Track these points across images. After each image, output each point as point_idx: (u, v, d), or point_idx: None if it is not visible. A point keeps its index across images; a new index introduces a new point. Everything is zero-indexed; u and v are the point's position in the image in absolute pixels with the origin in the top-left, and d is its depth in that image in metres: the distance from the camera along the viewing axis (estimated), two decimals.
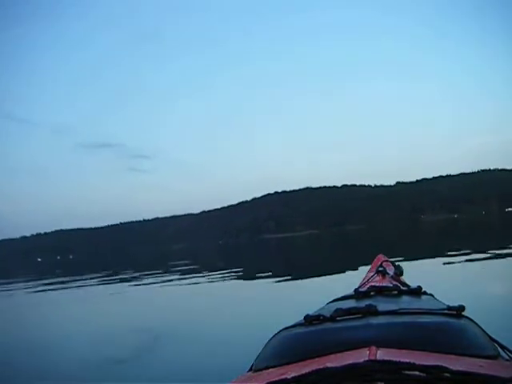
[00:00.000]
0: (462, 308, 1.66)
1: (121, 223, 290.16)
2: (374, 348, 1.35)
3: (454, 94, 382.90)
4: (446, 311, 1.66)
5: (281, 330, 1.81)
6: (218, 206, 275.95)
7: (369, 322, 1.62)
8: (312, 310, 1.97)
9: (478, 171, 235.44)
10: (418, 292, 2.09)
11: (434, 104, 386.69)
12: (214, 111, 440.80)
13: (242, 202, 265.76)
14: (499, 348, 1.56)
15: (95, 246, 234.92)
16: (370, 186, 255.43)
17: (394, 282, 2.51)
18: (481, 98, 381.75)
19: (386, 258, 3.52)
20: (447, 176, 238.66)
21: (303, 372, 1.17)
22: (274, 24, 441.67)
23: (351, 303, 2.03)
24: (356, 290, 2.21)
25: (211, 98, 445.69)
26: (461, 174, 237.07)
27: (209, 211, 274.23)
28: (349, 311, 1.74)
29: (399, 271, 3.00)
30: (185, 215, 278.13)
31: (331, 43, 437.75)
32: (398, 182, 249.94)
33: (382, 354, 1.29)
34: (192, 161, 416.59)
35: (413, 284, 2.27)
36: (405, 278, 2.97)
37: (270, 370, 1.51)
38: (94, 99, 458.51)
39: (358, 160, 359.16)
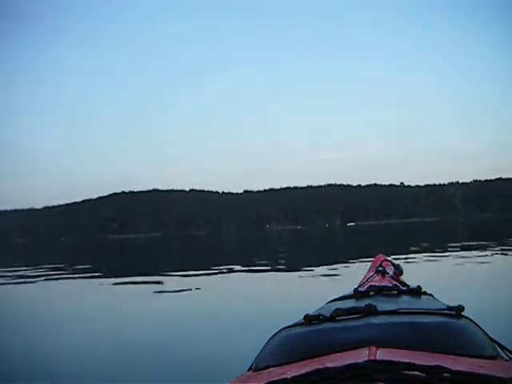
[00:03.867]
0: (461, 308, 1.68)
1: None
2: (373, 348, 1.35)
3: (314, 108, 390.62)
4: (445, 311, 1.68)
5: (280, 330, 1.78)
6: (62, 203, 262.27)
7: (368, 322, 1.63)
8: (311, 310, 1.94)
9: (325, 185, 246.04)
10: (417, 292, 2.10)
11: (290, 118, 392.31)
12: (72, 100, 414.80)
13: (87, 200, 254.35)
14: (499, 348, 1.60)
15: None
16: (217, 193, 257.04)
17: (394, 282, 2.51)
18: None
19: (386, 258, 3.43)
20: (294, 188, 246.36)
21: (303, 372, 1.17)
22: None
23: (351, 303, 2.01)
24: (355, 290, 2.19)
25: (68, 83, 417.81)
26: (308, 186, 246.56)
27: (52, 207, 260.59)
28: (348, 311, 1.74)
29: (399, 271, 2.96)
30: (27, 210, 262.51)
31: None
32: (245, 191, 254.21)
33: (381, 354, 1.29)
34: (39, 152, 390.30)
35: (412, 284, 2.26)
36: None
37: (270, 369, 1.51)
38: None
39: (210, 165, 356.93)
